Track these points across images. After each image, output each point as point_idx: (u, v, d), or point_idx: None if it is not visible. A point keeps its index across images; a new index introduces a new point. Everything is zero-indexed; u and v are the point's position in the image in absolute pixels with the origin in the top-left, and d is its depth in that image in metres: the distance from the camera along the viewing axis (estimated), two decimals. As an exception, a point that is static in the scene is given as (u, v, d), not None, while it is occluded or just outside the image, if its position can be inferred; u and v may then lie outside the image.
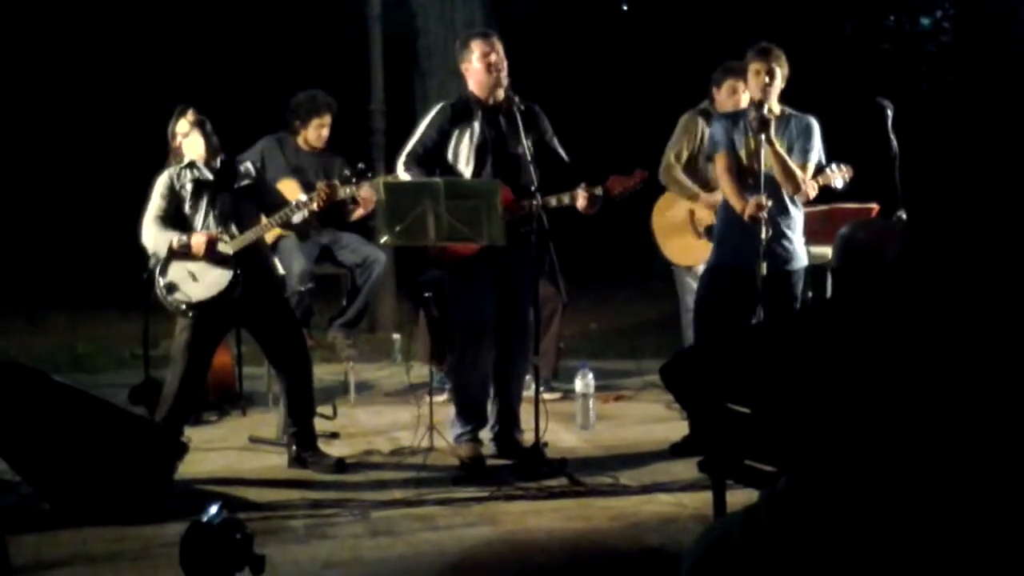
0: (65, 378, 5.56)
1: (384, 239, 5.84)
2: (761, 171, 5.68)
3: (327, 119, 7.26)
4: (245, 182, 5.93)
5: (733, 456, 3.70)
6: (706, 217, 6.80)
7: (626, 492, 5.52)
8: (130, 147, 11.32)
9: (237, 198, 5.88)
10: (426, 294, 6.76)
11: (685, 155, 6.88)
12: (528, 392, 6.18)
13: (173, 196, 5.83)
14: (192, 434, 6.17)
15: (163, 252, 5.76)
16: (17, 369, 5.42)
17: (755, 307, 5.65)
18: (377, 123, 10.06)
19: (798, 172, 5.78)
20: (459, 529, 5.03)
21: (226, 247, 5.76)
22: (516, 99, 5.84)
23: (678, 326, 7.26)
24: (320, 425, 6.18)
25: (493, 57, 5.91)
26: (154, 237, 5.79)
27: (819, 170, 5.99)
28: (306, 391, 5.95)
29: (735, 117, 6.01)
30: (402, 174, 5.92)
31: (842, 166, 6.13)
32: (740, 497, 3.64)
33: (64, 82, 14.49)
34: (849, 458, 2.17)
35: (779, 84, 5.79)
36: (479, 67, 5.92)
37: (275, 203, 5.97)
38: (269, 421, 6.70)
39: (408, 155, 5.94)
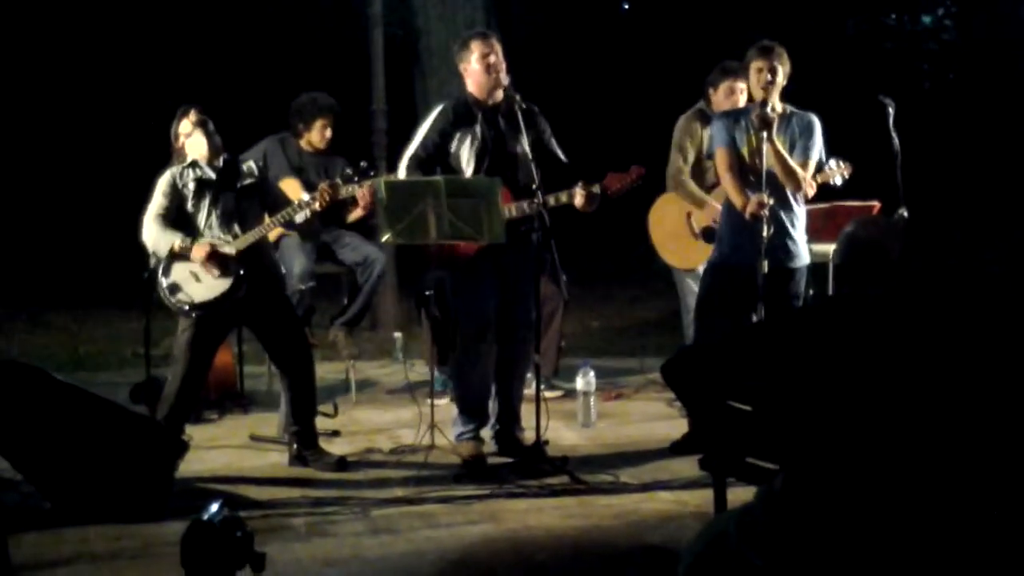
0: (66, 377, 5.56)
1: (385, 238, 5.84)
2: (763, 169, 5.67)
3: (330, 120, 7.26)
4: (248, 181, 5.93)
5: (734, 453, 3.69)
6: (703, 219, 6.78)
7: (627, 490, 5.53)
8: (132, 147, 11.33)
9: (239, 197, 5.88)
10: (427, 292, 6.75)
11: (692, 158, 6.84)
12: (529, 390, 6.18)
13: (175, 195, 5.83)
14: (193, 432, 6.18)
15: (163, 252, 5.76)
16: (19, 367, 5.42)
17: (756, 305, 5.64)
18: (379, 123, 10.05)
19: (799, 170, 5.77)
20: (460, 527, 5.03)
21: (229, 247, 5.76)
22: (518, 98, 5.84)
23: (679, 324, 7.25)
24: (321, 423, 6.19)
25: (492, 58, 5.90)
26: (155, 236, 5.79)
27: (819, 167, 5.98)
28: (308, 390, 5.95)
29: (736, 115, 6.00)
30: (400, 176, 5.93)
31: (841, 163, 6.12)
32: (741, 495, 3.64)
33: (67, 82, 14.49)
34: (847, 455, 2.17)
35: (781, 82, 5.78)
36: (478, 68, 5.92)
37: (278, 202, 5.97)
38: (270, 419, 6.70)
39: (410, 158, 5.93)
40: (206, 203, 5.83)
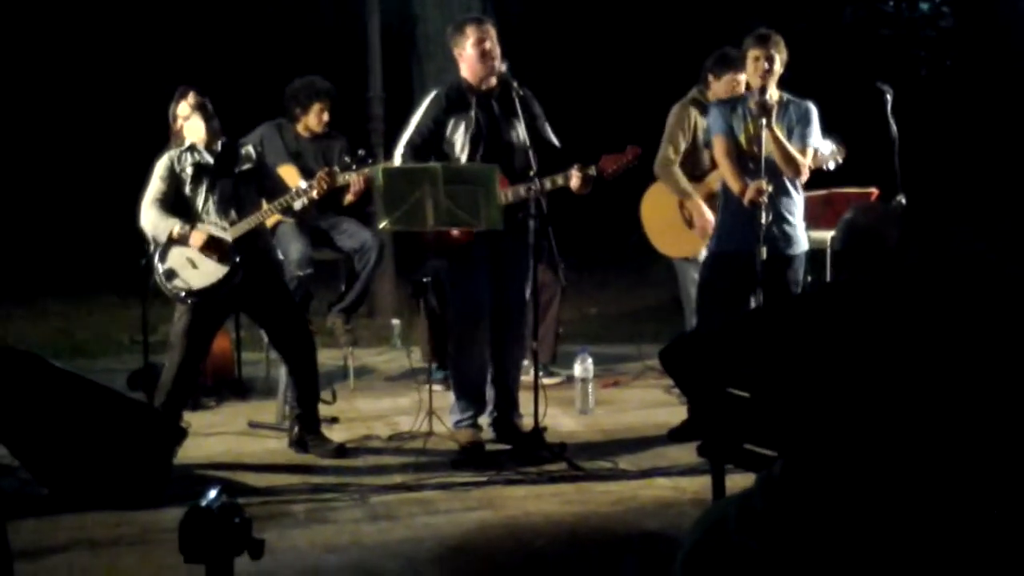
0: (64, 363, 5.53)
1: (382, 224, 5.84)
2: (762, 156, 5.67)
3: (326, 105, 7.25)
4: (246, 166, 5.91)
5: (732, 440, 3.69)
6: (695, 216, 6.76)
7: (625, 477, 5.53)
8: (129, 132, 11.31)
9: (237, 183, 5.86)
10: (424, 279, 6.75)
11: (683, 147, 6.79)
12: (527, 377, 6.18)
13: (173, 179, 5.81)
14: (191, 419, 6.19)
15: (162, 237, 5.74)
16: (15, 354, 5.40)
17: (755, 291, 5.65)
18: (376, 110, 10.04)
19: (798, 157, 5.77)
20: (458, 513, 5.04)
21: (226, 233, 5.75)
22: (515, 84, 5.83)
23: (677, 311, 7.26)
24: (320, 410, 6.18)
25: (487, 44, 5.88)
26: (153, 221, 5.77)
27: (813, 152, 5.98)
28: (310, 374, 5.94)
29: (733, 103, 6.00)
30: (397, 164, 5.91)
31: (834, 145, 6.12)
32: (739, 481, 3.64)
33: (63, 68, 14.46)
34: (845, 442, 2.16)
35: (778, 70, 5.78)
36: (473, 53, 5.89)
37: (275, 188, 5.96)
38: (268, 406, 6.70)
39: (405, 145, 5.92)
40: (204, 188, 5.81)
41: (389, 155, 6.39)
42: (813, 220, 6.20)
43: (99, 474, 5.08)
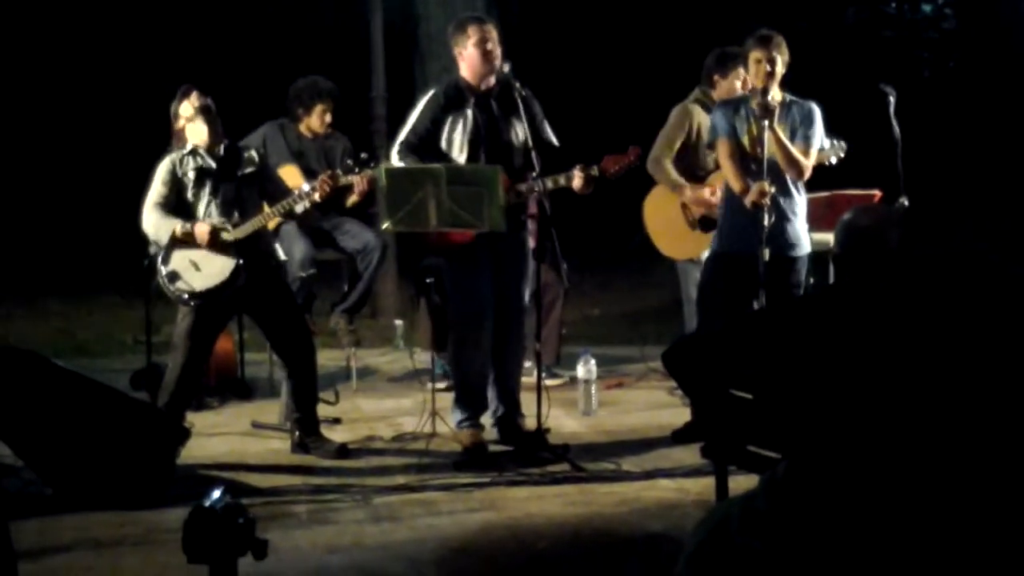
0: (67, 363, 5.54)
1: (385, 225, 5.85)
2: (764, 157, 5.67)
3: (329, 105, 7.25)
4: (248, 170, 5.91)
5: (735, 442, 3.69)
6: (697, 209, 6.76)
7: (628, 478, 5.53)
8: (131, 132, 11.31)
9: (240, 186, 5.86)
10: (428, 280, 6.76)
11: (678, 145, 6.76)
12: (530, 378, 6.18)
13: (175, 182, 5.81)
14: (194, 419, 6.19)
15: (164, 239, 5.75)
16: (19, 353, 5.41)
17: (757, 293, 5.65)
18: (378, 110, 10.03)
19: (801, 158, 5.77)
20: (461, 515, 5.04)
21: (228, 236, 5.75)
22: (517, 84, 5.83)
23: (680, 312, 7.25)
24: (322, 411, 6.19)
25: (489, 44, 5.86)
26: (155, 224, 5.77)
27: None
28: (310, 377, 5.95)
29: (736, 104, 5.99)
30: (396, 164, 5.90)
31: (835, 142, 6.12)
32: (743, 483, 3.65)
33: (65, 68, 14.47)
34: (848, 444, 2.16)
35: (780, 71, 5.77)
36: (474, 53, 5.87)
37: (278, 191, 5.95)
38: (271, 407, 6.70)
39: (401, 144, 5.90)
40: (206, 192, 5.81)
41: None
42: (816, 222, 6.20)
43: (103, 474, 5.09)
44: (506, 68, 5.86)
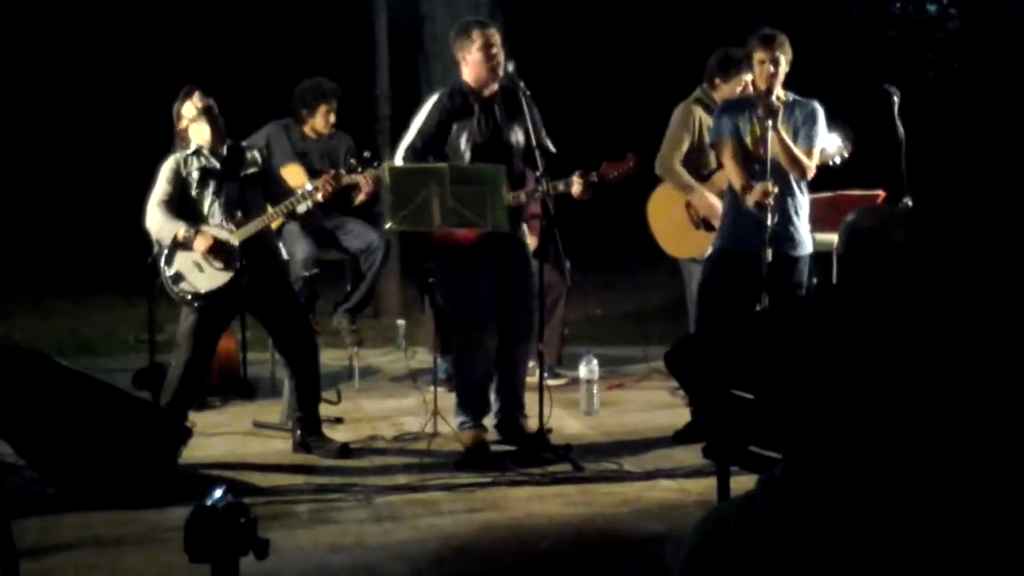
0: (69, 362, 5.53)
1: (388, 224, 5.85)
2: (768, 157, 5.67)
3: (333, 105, 7.25)
4: (251, 170, 5.91)
5: (737, 442, 3.69)
6: (702, 208, 6.76)
7: (630, 478, 5.53)
8: (135, 132, 11.31)
9: (243, 186, 5.86)
10: (430, 280, 6.76)
11: (685, 146, 6.78)
12: (532, 379, 6.17)
13: (179, 182, 5.81)
14: (196, 419, 6.19)
15: (167, 240, 5.75)
16: (21, 352, 5.41)
17: (760, 293, 5.64)
18: (382, 109, 10.04)
19: (804, 158, 5.77)
20: (463, 515, 5.04)
21: (231, 236, 5.75)
22: (522, 85, 5.82)
23: (683, 312, 7.25)
24: (324, 410, 6.19)
25: (493, 49, 5.85)
26: (158, 223, 5.77)
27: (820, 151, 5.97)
28: (312, 377, 5.95)
29: (739, 104, 5.99)
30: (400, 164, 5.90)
31: (840, 141, 6.11)
32: (744, 483, 3.64)
33: (68, 67, 14.47)
34: (848, 445, 2.16)
35: (783, 71, 5.77)
36: (479, 58, 5.85)
37: (281, 192, 5.96)
38: (273, 406, 6.70)
39: (407, 149, 5.87)
40: (209, 192, 5.81)
41: (395, 156, 6.38)
42: (819, 222, 6.19)
43: (105, 473, 5.08)
44: (510, 68, 5.85)
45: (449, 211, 5.59)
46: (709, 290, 6.02)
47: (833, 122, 5.99)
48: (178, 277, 5.75)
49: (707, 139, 6.62)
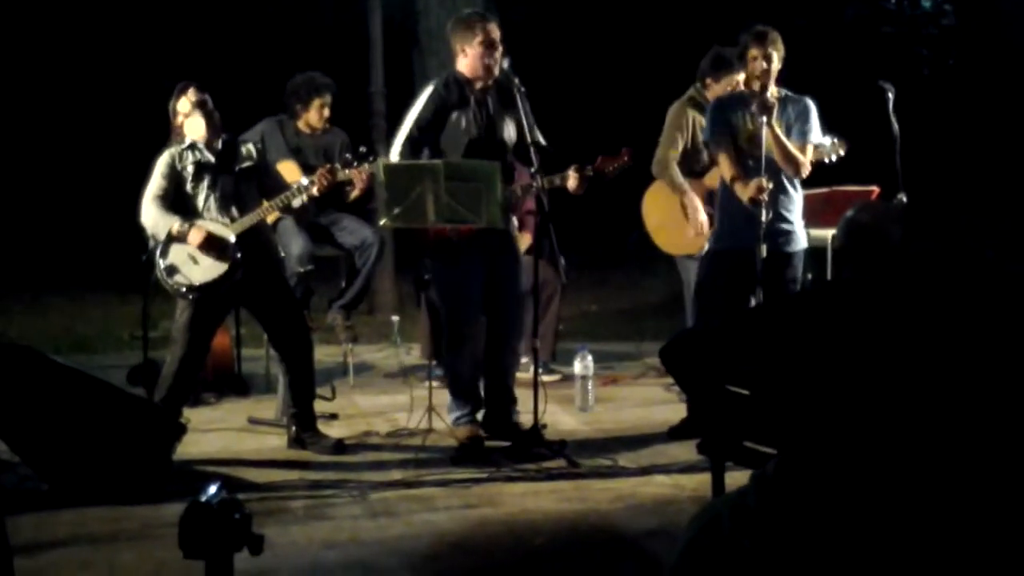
0: (64, 359, 5.56)
1: (383, 221, 5.84)
2: (762, 154, 5.67)
3: (327, 100, 7.24)
4: (247, 164, 5.91)
5: (732, 438, 3.69)
6: (689, 214, 6.78)
7: (624, 474, 5.53)
8: (130, 128, 11.30)
9: (238, 180, 5.86)
10: (426, 277, 6.75)
11: (681, 146, 6.82)
12: (527, 375, 6.17)
13: (174, 176, 5.80)
14: (191, 415, 6.18)
15: (162, 234, 5.74)
16: (16, 349, 5.41)
17: (755, 289, 5.65)
18: (377, 105, 10.04)
19: (798, 154, 5.77)
20: (458, 510, 5.04)
21: (227, 230, 5.75)
22: (516, 81, 5.82)
23: (677, 308, 7.26)
24: (319, 406, 6.18)
25: (494, 45, 5.84)
26: (154, 217, 5.77)
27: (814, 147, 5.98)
28: (307, 373, 5.94)
29: (732, 101, 5.99)
30: (396, 159, 5.88)
31: (836, 140, 6.12)
32: (739, 479, 3.64)
33: (64, 64, 14.46)
34: (841, 440, 2.16)
35: (776, 68, 5.77)
36: (479, 52, 5.83)
37: (276, 186, 5.95)
38: (268, 402, 6.71)
39: (404, 140, 5.85)
40: (204, 186, 5.81)
41: (390, 149, 6.37)
42: (814, 218, 6.20)
43: (99, 469, 5.09)
44: (505, 64, 5.85)
45: (443, 207, 5.59)
46: (705, 287, 6.03)
47: (828, 119, 5.99)
48: (172, 270, 5.75)
49: (700, 138, 6.64)
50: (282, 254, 6.35)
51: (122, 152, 10.41)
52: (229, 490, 2.32)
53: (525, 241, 7.00)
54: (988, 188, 12.61)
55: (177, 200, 5.80)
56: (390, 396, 7.16)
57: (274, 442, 6.09)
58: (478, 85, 5.89)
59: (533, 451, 5.76)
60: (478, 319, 5.90)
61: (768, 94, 5.70)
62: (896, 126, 6.18)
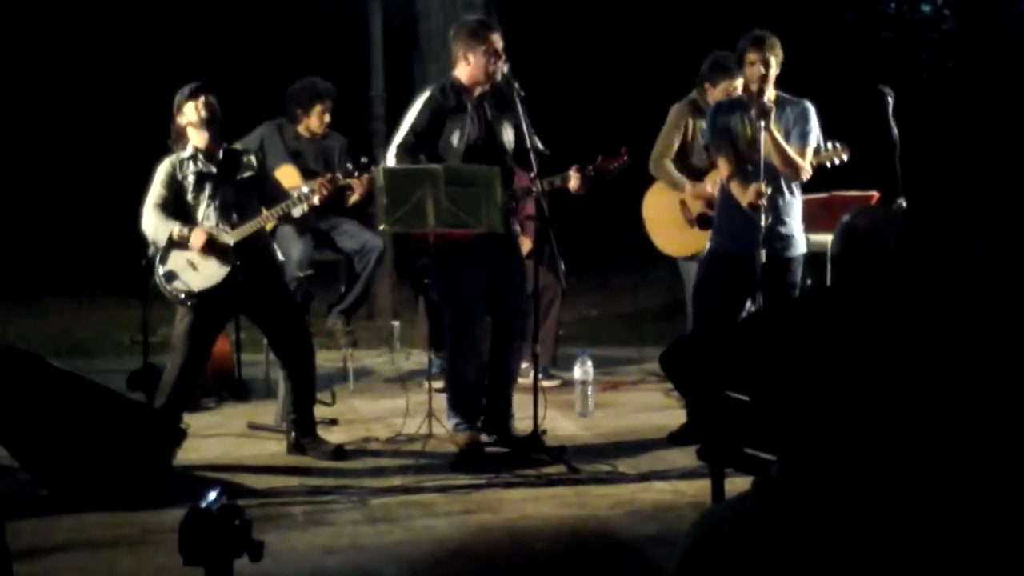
0: (64, 363, 5.56)
1: (383, 226, 5.84)
2: (760, 158, 5.67)
3: (328, 105, 7.24)
4: (247, 174, 5.88)
5: (732, 444, 3.69)
6: (697, 206, 6.79)
7: (624, 480, 5.53)
8: (131, 132, 11.30)
9: (238, 190, 5.84)
10: (425, 280, 6.76)
11: (675, 147, 6.86)
12: (527, 380, 6.16)
13: (174, 184, 5.79)
14: (191, 420, 6.17)
15: (162, 241, 5.73)
16: (16, 354, 5.42)
17: (754, 294, 5.65)
18: (377, 109, 10.02)
19: (797, 159, 5.77)
20: (458, 516, 5.04)
21: (227, 237, 5.74)
22: (516, 85, 5.82)
23: (677, 313, 7.26)
24: (319, 412, 6.18)
25: (498, 54, 5.81)
26: (154, 225, 5.75)
27: (815, 151, 5.98)
28: (308, 378, 5.93)
29: (731, 105, 6.00)
30: (394, 164, 5.87)
31: (838, 145, 6.12)
32: (739, 485, 3.64)
33: (64, 67, 14.46)
34: (843, 447, 2.15)
35: (775, 72, 5.77)
36: (482, 61, 5.81)
37: (276, 195, 5.93)
38: (268, 408, 6.70)
39: (399, 146, 5.83)
40: (205, 195, 5.79)
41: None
42: (813, 223, 6.20)
43: (99, 475, 5.10)
44: (505, 68, 5.84)
45: (443, 212, 5.59)
46: (703, 291, 6.04)
47: (827, 123, 5.99)
48: (171, 276, 5.74)
49: (700, 141, 6.65)
50: (282, 259, 6.35)
51: (123, 156, 10.41)
52: (229, 496, 2.32)
53: (525, 246, 7.00)
54: (988, 192, 12.62)
55: (177, 209, 5.78)
56: (390, 401, 7.15)
57: (274, 447, 6.09)
58: (476, 92, 5.88)
59: (533, 457, 5.75)
60: (481, 322, 5.89)
61: (766, 98, 5.70)
62: (895, 130, 6.18)
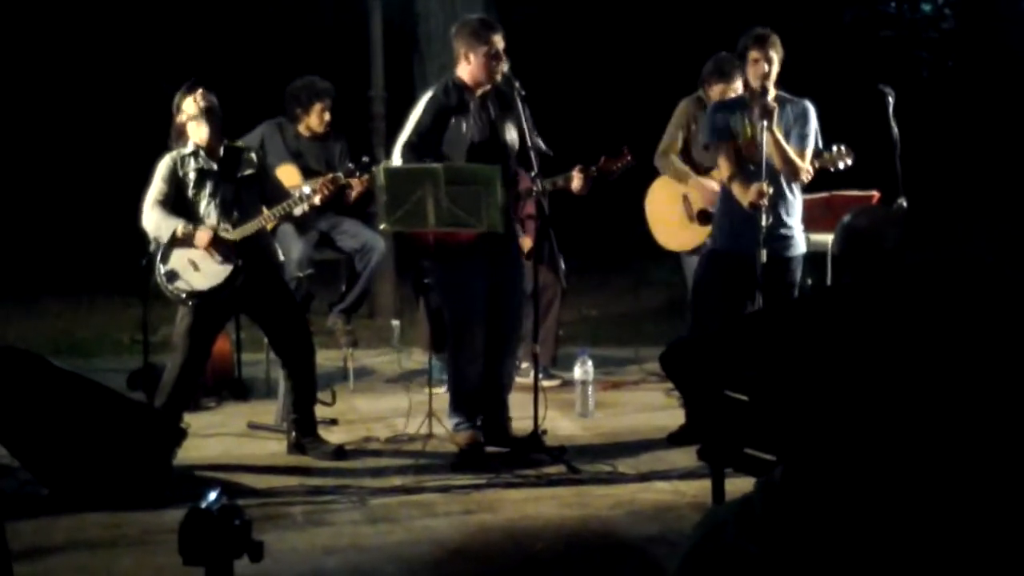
0: (64, 363, 5.56)
1: (383, 225, 5.84)
2: (762, 158, 5.67)
3: (328, 104, 7.24)
4: (248, 171, 5.88)
5: (732, 444, 3.69)
6: (699, 201, 6.80)
7: (624, 480, 5.53)
8: (130, 131, 11.30)
9: (239, 188, 5.84)
10: (426, 280, 6.75)
11: (680, 140, 6.88)
12: (527, 380, 6.16)
13: (175, 182, 5.78)
14: (191, 420, 6.17)
15: (164, 237, 5.72)
16: (16, 353, 5.41)
17: (754, 293, 5.65)
18: (377, 109, 10.02)
19: (797, 159, 5.77)
20: (458, 516, 5.04)
21: (228, 236, 5.73)
22: (517, 85, 5.81)
23: (677, 313, 7.26)
24: (319, 411, 6.17)
25: (500, 55, 5.81)
26: (156, 221, 5.74)
27: (817, 153, 5.97)
28: (308, 378, 5.93)
29: (732, 105, 6.00)
30: (396, 163, 5.88)
31: (843, 148, 6.12)
32: (739, 485, 3.64)
33: (64, 67, 14.46)
34: (845, 447, 2.15)
35: (776, 70, 5.77)
36: (484, 61, 5.79)
37: (277, 194, 5.93)
38: (268, 407, 6.69)
39: (404, 146, 5.83)
40: (206, 193, 5.78)
41: (390, 155, 6.37)
42: (813, 223, 6.20)
43: (99, 474, 5.10)
44: (505, 67, 5.84)
45: (444, 211, 5.58)
46: (702, 287, 6.03)
47: (827, 123, 5.99)
48: (173, 275, 5.73)
49: (701, 140, 6.66)
50: (282, 258, 6.35)
51: (123, 155, 10.40)
52: (229, 496, 2.32)
53: (525, 245, 7.00)
54: (988, 192, 12.61)
55: (178, 206, 5.77)
56: (390, 401, 7.14)
57: (274, 447, 6.09)
58: (478, 91, 5.88)
59: (533, 457, 5.75)
60: (482, 322, 5.89)
61: (769, 98, 5.70)
62: (896, 130, 6.18)
